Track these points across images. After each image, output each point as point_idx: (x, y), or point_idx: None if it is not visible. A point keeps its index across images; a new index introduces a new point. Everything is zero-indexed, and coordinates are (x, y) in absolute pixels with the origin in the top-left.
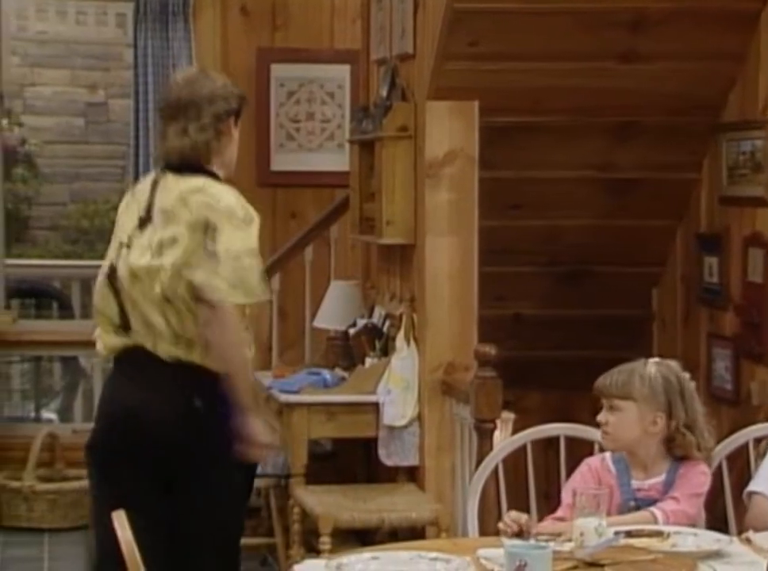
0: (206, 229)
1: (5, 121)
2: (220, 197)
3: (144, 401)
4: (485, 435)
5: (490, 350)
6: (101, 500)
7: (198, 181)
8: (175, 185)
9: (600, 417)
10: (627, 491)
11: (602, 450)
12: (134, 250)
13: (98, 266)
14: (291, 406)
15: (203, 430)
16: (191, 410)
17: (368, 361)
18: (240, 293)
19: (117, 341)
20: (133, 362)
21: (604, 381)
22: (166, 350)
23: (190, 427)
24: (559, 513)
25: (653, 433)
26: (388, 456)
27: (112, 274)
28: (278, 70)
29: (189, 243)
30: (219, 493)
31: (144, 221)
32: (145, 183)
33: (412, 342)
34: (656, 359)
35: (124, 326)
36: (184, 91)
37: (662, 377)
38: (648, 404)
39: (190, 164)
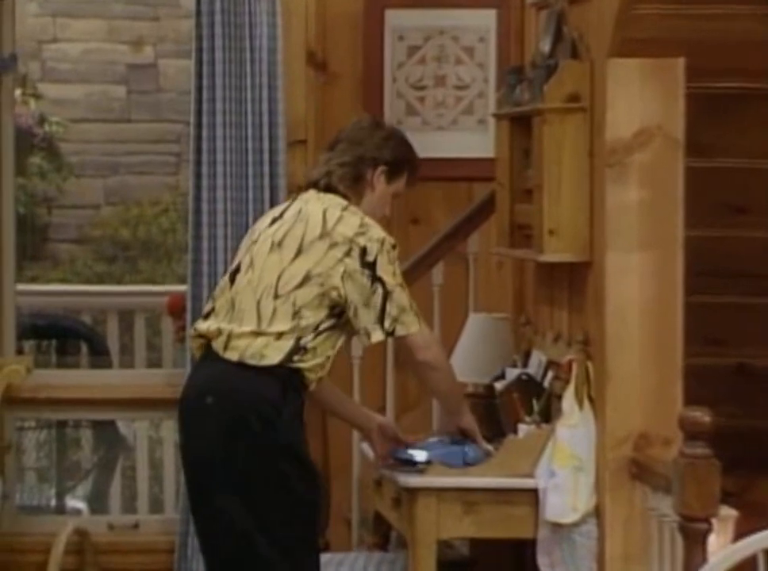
0: None
1: (18, 92)
2: None
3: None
4: (695, 540)
5: (702, 416)
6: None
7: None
8: None
9: None
10: None
11: None
12: None
13: (143, 293)
14: (413, 492)
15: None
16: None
17: (522, 429)
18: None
19: None
20: None
21: None
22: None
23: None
24: None
25: None
26: (551, 566)
27: None
28: (395, 18)
29: None
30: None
31: None
32: None
33: (586, 403)
34: None
35: None
36: (358, 130)
37: None
38: None
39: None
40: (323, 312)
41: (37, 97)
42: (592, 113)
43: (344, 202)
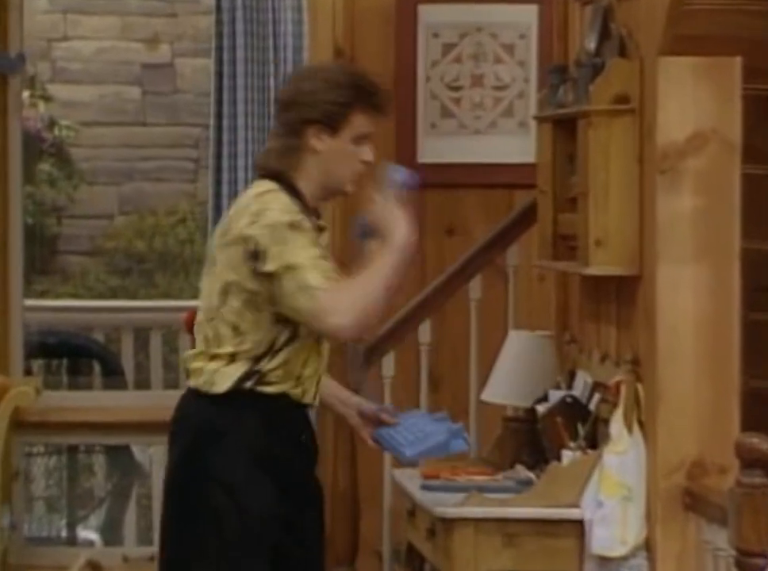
0: None
1: (26, 94)
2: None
3: None
4: None
5: (760, 443)
6: None
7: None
8: None
9: None
10: None
11: None
12: None
13: (159, 308)
14: (449, 522)
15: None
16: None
17: (567, 455)
18: None
19: None
20: None
21: None
22: None
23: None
24: None
25: None
26: None
27: None
28: (428, 14)
29: None
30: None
31: None
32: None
33: (636, 427)
34: None
35: None
36: (286, 91)
37: None
38: None
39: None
40: (265, 325)
41: (47, 99)
42: (641, 115)
43: (265, 187)
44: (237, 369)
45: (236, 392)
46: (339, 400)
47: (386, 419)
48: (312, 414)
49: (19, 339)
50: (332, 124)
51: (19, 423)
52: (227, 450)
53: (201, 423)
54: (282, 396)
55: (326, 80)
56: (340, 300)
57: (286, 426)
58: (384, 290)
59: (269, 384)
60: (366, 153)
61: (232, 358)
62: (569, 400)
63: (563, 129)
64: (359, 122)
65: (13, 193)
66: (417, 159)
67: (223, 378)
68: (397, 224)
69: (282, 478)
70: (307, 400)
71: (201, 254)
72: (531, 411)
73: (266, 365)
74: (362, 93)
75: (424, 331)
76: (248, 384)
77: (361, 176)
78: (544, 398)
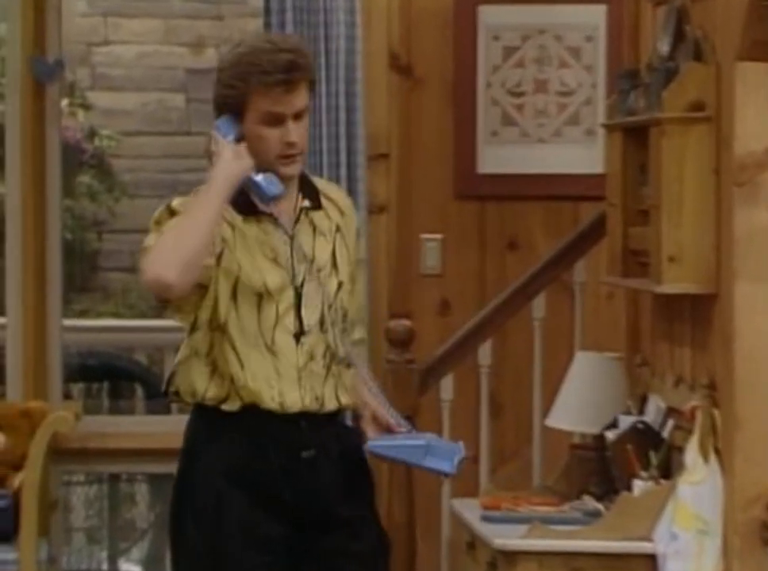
0: None
1: (64, 102)
2: None
3: None
4: None
5: None
6: None
7: None
8: None
9: None
10: None
11: None
12: None
13: None
14: (511, 555)
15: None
16: None
17: (638, 485)
18: None
19: None
20: None
21: None
22: None
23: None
24: None
25: None
26: None
27: None
28: (489, 15)
29: None
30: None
31: None
32: None
33: (712, 456)
34: None
35: None
36: None
37: None
38: None
39: None
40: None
41: (86, 107)
42: (718, 123)
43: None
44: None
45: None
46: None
47: (395, 429)
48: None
49: (57, 361)
50: (234, 110)
51: (58, 450)
52: (200, 472)
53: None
54: (248, 406)
55: (219, 68)
56: (155, 250)
57: (260, 441)
58: (195, 227)
59: (179, 384)
60: (288, 133)
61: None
62: (640, 426)
63: (634, 138)
64: (259, 103)
65: (52, 206)
66: (477, 170)
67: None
68: (219, 155)
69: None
70: (291, 408)
71: None
72: (600, 438)
73: (178, 358)
74: (248, 72)
75: (485, 353)
76: (171, 387)
77: (294, 156)
78: (614, 424)
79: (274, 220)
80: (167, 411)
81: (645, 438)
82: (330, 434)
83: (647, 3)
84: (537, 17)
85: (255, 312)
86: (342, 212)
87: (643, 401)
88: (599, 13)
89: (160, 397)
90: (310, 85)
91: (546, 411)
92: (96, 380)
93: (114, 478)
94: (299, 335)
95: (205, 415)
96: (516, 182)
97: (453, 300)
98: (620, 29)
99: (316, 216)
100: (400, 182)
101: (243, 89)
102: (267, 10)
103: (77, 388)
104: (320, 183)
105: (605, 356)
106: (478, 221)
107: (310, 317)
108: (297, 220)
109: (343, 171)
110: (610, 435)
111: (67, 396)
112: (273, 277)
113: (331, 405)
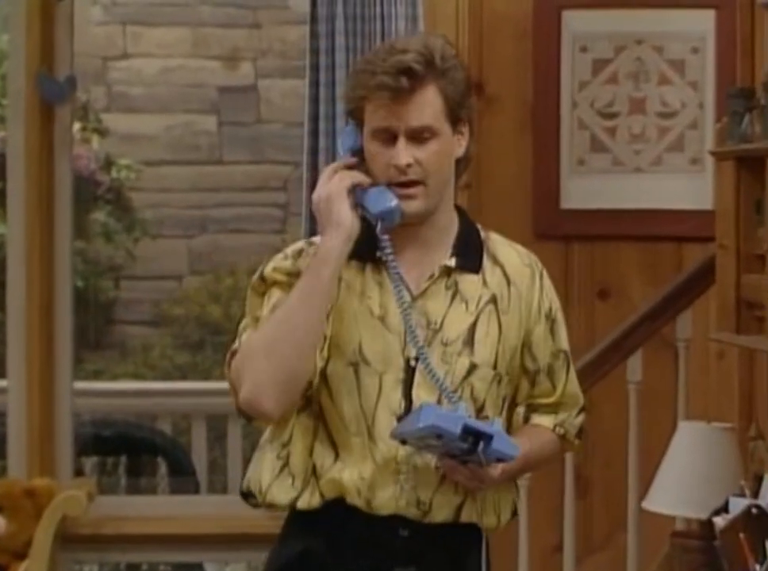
0: None
1: (77, 127)
2: None
3: None
4: None
5: None
6: None
7: None
8: None
9: None
10: None
11: None
12: None
13: None
14: None
15: None
16: None
17: None
18: None
19: None
20: None
21: None
22: None
23: None
24: None
25: None
26: None
27: None
28: (575, 22)
29: None
30: None
31: None
32: None
33: None
34: None
35: None
36: None
37: None
38: None
39: None
40: None
41: (102, 132)
42: None
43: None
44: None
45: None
46: None
47: None
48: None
49: (68, 431)
50: (354, 118)
51: (68, 536)
52: None
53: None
54: (330, 503)
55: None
56: (246, 363)
57: (340, 543)
58: (297, 335)
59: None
60: (396, 154)
61: None
62: (755, 511)
63: (749, 169)
64: (369, 114)
65: (61, 249)
66: (561, 205)
67: None
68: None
69: None
70: (380, 508)
71: None
72: (708, 524)
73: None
74: (360, 77)
75: None
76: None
77: (408, 187)
78: (724, 508)
79: (397, 273)
80: (194, 490)
81: (760, 524)
82: (440, 550)
83: (765, 9)
84: (633, 25)
85: (351, 387)
86: (509, 281)
87: (758, 481)
88: (707, 19)
89: (186, 474)
90: (450, 102)
91: (643, 491)
92: (112, 453)
93: (133, 569)
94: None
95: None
96: (608, 219)
97: None
98: (732, 39)
99: (465, 279)
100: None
101: (354, 97)
102: (314, 18)
103: (90, 463)
104: (496, 240)
105: (714, 427)
106: (562, 265)
107: (424, 399)
108: (433, 280)
109: None
110: (719, 521)
111: (79, 472)
112: (373, 341)
113: (440, 516)
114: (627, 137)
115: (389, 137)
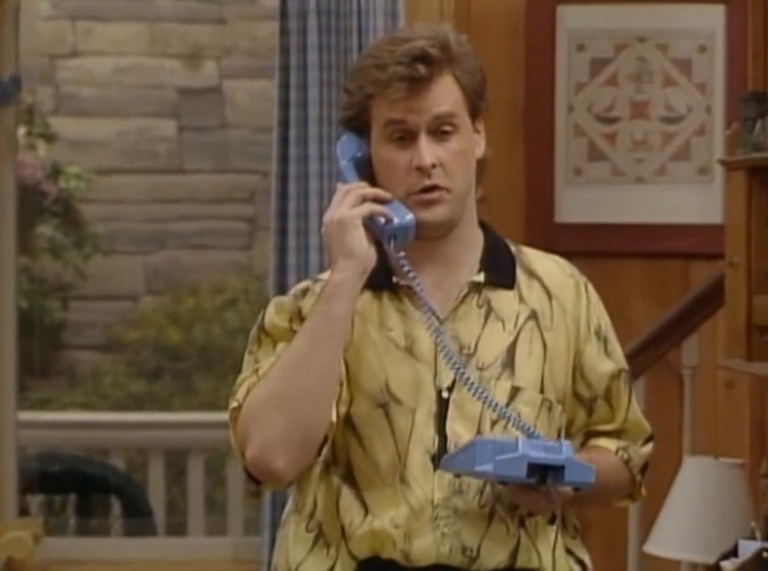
0: None
1: (21, 131)
2: None
3: None
4: None
5: None
6: None
7: None
8: None
9: None
10: None
11: None
12: None
13: (200, 424)
14: None
15: None
16: None
17: None
18: None
19: None
20: None
21: None
22: None
23: None
24: None
25: None
26: None
27: None
28: (572, 18)
29: None
30: None
31: None
32: None
33: None
34: None
35: None
36: None
37: None
38: None
39: None
40: None
41: (49, 138)
42: None
43: None
44: None
45: None
46: None
47: None
48: None
49: (11, 466)
50: (357, 126)
51: None
52: None
53: None
54: (364, 563)
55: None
56: (251, 419)
57: None
58: (308, 385)
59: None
60: (419, 154)
61: None
62: (766, 555)
63: (761, 179)
64: (380, 111)
65: (4, 266)
66: (555, 218)
67: None
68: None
69: None
70: (420, 559)
71: None
72: (715, 569)
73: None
74: (365, 72)
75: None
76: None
77: (431, 191)
78: (733, 552)
79: (422, 292)
80: (151, 532)
81: None
82: None
83: None
84: (635, 21)
85: (383, 431)
86: (549, 295)
87: None
88: (716, 15)
89: (142, 514)
90: (469, 93)
91: (645, 533)
92: (60, 491)
93: None
94: (440, 457)
95: None
96: (607, 234)
97: None
98: (743, 37)
99: (498, 296)
100: None
101: (357, 98)
102: (284, 13)
103: (36, 501)
104: (529, 253)
105: (722, 463)
106: None
107: (461, 434)
108: (462, 299)
109: None
110: (728, 566)
111: (24, 512)
112: (401, 376)
113: (492, 563)
114: (628, 144)
115: (405, 137)
